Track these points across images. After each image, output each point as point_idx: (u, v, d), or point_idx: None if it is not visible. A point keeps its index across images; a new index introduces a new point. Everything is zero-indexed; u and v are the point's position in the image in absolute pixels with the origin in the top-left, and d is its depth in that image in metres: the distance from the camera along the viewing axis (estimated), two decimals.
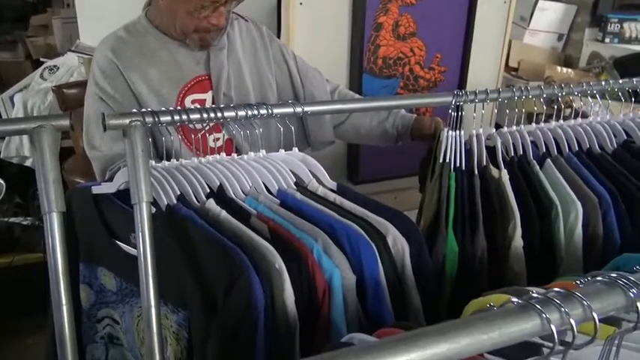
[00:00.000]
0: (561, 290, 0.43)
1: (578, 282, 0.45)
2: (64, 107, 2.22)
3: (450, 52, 2.13)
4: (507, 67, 2.82)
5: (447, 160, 1.04)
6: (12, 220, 2.45)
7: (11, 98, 2.69)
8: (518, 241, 0.98)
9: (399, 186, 2.15)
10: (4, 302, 2.10)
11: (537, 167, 1.06)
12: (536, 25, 3.04)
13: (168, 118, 0.84)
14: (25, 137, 2.44)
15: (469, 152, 1.07)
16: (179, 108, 0.85)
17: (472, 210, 0.99)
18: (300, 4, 1.78)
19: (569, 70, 2.84)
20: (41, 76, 2.67)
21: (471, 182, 1.02)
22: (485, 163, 1.05)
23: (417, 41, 2.05)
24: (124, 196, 0.91)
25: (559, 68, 2.81)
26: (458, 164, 1.04)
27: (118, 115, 0.81)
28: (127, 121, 0.79)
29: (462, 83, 2.19)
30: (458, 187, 1.01)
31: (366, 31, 1.92)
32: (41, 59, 2.96)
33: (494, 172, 1.04)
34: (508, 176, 1.02)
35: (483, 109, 1.11)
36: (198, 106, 1.31)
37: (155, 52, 1.31)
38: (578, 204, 0.99)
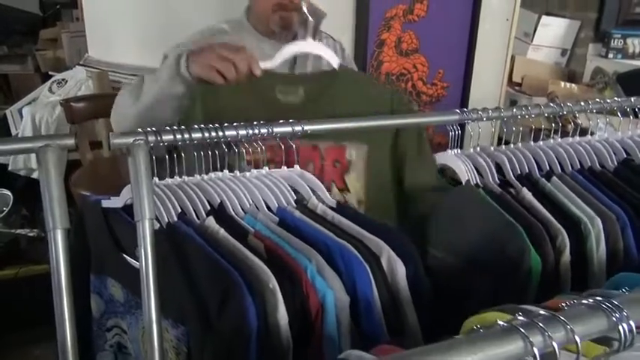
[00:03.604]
0: (546, 313, 0.44)
1: (563, 304, 0.47)
2: (71, 121, 2.25)
3: (453, 68, 2.15)
4: (511, 82, 2.84)
5: (467, 178, 1.03)
6: (18, 231, 2.47)
7: (20, 111, 2.73)
8: (567, 256, 0.96)
9: None
10: (10, 314, 2.12)
11: (549, 185, 1.06)
12: (539, 40, 3.06)
13: (171, 137, 0.86)
14: None
15: (478, 170, 1.07)
16: (183, 127, 0.87)
17: (524, 224, 0.95)
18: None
19: (573, 85, 2.85)
20: (50, 90, 2.72)
21: (501, 199, 1.01)
22: (498, 181, 1.05)
23: (419, 57, 2.08)
24: (131, 210, 0.93)
25: (562, 83, 2.83)
26: (474, 183, 1.04)
27: (121, 134, 0.83)
28: (131, 139, 0.81)
29: (464, 99, 2.21)
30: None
31: (369, 47, 1.95)
32: (50, 72, 3.01)
33: (511, 190, 1.03)
34: (530, 193, 1.02)
35: (479, 127, 1.12)
36: None
37: (250, 48, 1.36)
38: (598, 220, 0.98)
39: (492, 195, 1.03)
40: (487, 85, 2.29)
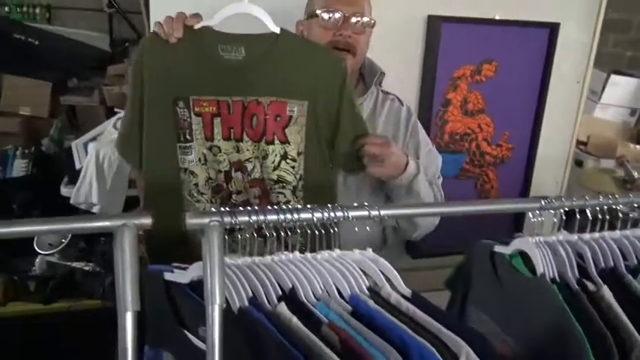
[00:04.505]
0: None
1: None
2: None
3: (519, 130, 2.09)
4: (576, 141, 2.75)
5: (542, 271, 0.97)
6: (74, 264, 2.51)
7: (85, 145, 2.82)
8: None
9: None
10: (60, 347, 2.14)
11: (635, 282, 0.98)
12: (607, 99, 2.97)
13: (246, 218, 0.84)
14: (94, 186, 2.53)
15: (557, 262, 1.00)
16: (256, 208, 0.86)
17: (593, 333, 0.88)
18: None
19: None
20: (114, 126, 2.79)
21: (576, 298, 0.93)
22: (578, 276, 0.98)
23: (485, 118, 2.03)
24: (196, 285, 0.91)
25: (632, 145, 2.71)
26: (551, 276, 0.98)
27: (197, 213, 0.82)
28: (206, 220, 0.80)
29: (530, 161, 2.14)
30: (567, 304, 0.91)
31: (435, 106, 1.92)
32: (115, 109, 3.10)
33: (590, 286, 0.97)
34: (611, 293, 0.94)
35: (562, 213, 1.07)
36: None
37: None
38: None
39: (567, 292, 0.97)
40: (554, 146, 2.21)
